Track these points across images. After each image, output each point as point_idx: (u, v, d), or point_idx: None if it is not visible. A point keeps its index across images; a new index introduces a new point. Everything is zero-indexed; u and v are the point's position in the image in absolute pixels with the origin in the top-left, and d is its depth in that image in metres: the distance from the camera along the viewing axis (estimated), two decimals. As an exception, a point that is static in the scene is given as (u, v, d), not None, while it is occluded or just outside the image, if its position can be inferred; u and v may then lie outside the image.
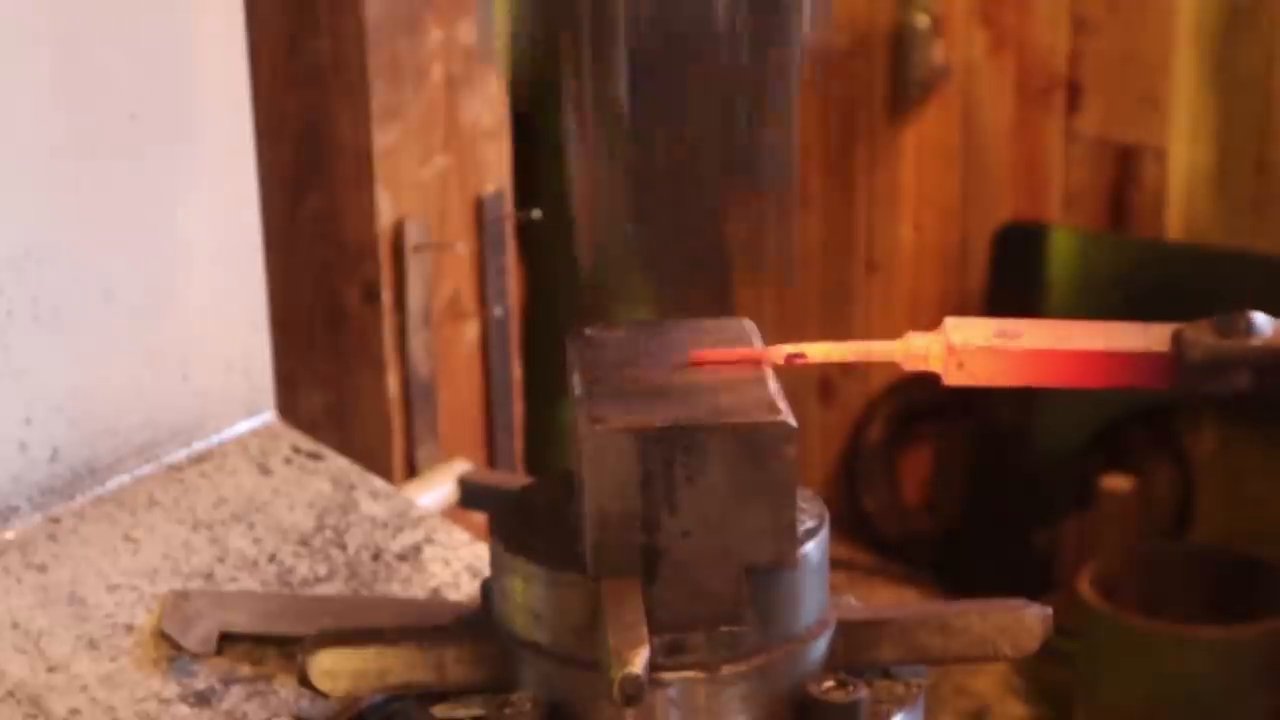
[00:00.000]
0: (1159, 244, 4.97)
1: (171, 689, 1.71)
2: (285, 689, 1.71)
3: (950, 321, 1.48)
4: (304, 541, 1.92)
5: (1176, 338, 1.43)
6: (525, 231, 3.24)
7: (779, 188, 1.46)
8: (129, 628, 1.76)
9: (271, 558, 1.89)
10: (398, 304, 3.15)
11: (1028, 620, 1.54)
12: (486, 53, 1.45)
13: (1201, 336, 1.42)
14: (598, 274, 1.45)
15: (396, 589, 1.90)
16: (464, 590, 1.89)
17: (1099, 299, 4.96)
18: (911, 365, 1.48)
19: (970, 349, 1.46)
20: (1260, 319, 1.43)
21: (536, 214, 3.14)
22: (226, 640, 1.75)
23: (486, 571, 1.55)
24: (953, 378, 1.47)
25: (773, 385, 1.48)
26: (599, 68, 1.36)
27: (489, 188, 3.11)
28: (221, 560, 1.87)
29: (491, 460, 3.34)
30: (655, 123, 1.39)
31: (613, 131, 1.39)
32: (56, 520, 1.85)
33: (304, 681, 1.49)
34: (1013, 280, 5.14)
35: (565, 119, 1.42)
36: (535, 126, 3.11)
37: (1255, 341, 1.42)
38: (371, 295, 3.15)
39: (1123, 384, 1.46)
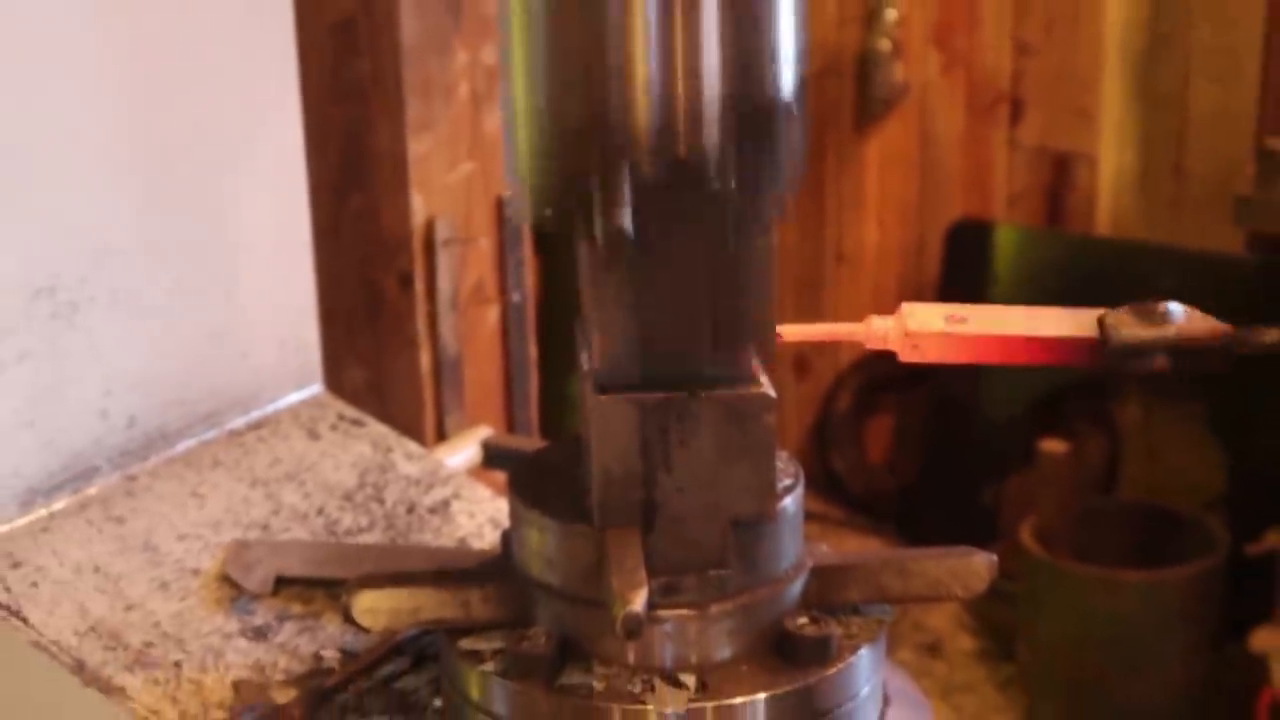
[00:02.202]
0: (1090, 239, 4.96)
1: (233, 625, 1.71)
2: (332, 625, 1.71)
3: (906, 307, 1.48)
4: (348, 497, 1.92)
5: (1101, 323, 1.44)
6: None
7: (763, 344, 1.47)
8: (196, 572, 1.76)
9: (320, 511, 1.89)
10: (429, 291, 3.15)
11: (976, 565, 1.54)
12: (518, 208, 1.45)
13: (1123, 323, 1.43)
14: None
15: (428, 538, 1.89)
16: (487, 539, 1.89)
17: (1038, 286, 4.96)
18: (873, 345, 1.48)
19: (923, 333, 1.47)
20: (1175, 308, 1.43)
21: (549, 213, 3.13)
22: (281, 583, 1.75)
23: (506, 523, 1.55)
24: (908, 356, 1.47)
25: (754, 360, 1.48)
26: (608, 205, 1.36)
27: (508, 190, 3.11)
28: (276, 513, 1.87)
29: (511, 426, 3.34)
30: (654, 255, 1.39)
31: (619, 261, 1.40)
32: (133, 479, 1.85)
33: (348, 618, 1.48)
34: (963, 270, 5.14)
35: (579, 251, 1.43)
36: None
37: (1169, 330, 1.42)
38: (406, 284, 3.15)
39: (1055, 363, 1.46)
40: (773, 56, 1.38)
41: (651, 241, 1.37)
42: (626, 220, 1.34)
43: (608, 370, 1.42)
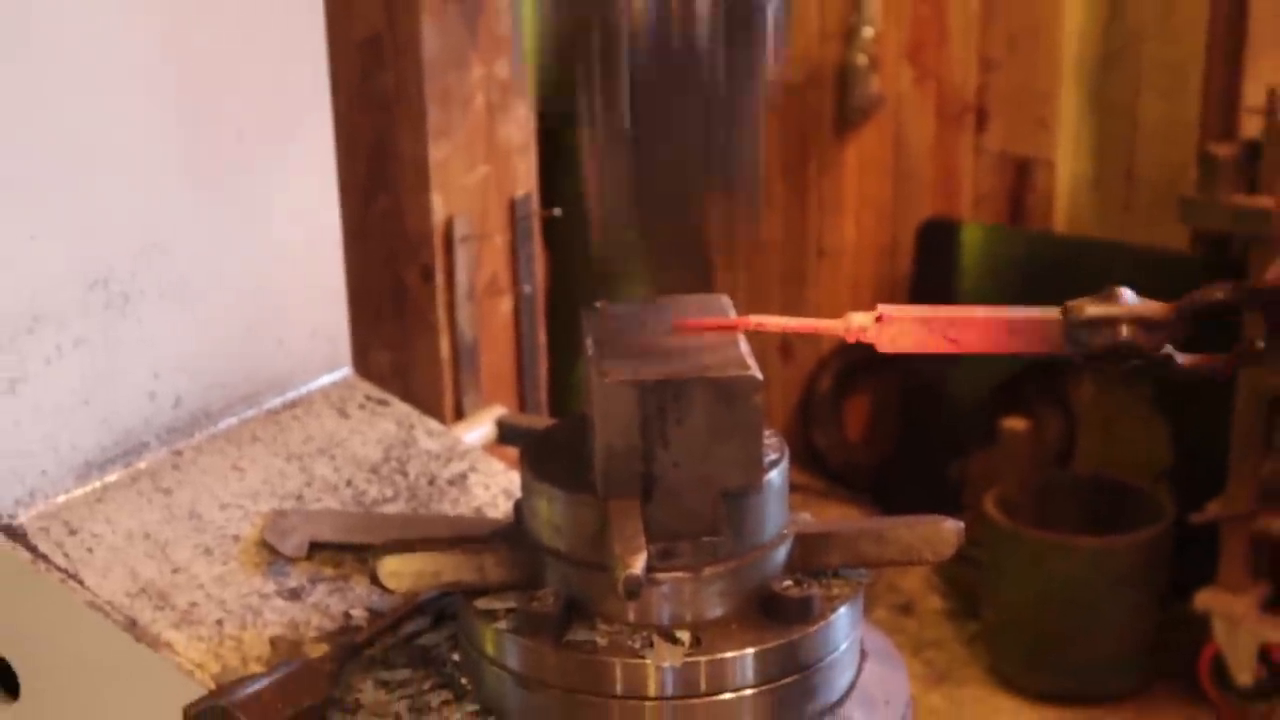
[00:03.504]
0: (1048, 236, 4.96)
1: (270, 586, 1.70)
2: (360, 586, 1.71)
3: (882, 309, 1.48)
4: (374, 470, 1.92)
5: (1064, 309, 1.43)
6: (549, 226, 3.23)
7: (748, 186, 1.46)
8: (236, 538, 1.76)
9: (349, 483, 1.89)
10: (448, 283, 3.14)
11: (944, 532, 1.54)
12: (520, 84, 1.46)
13: (1083, 307, 1.43)
14: (606, 260, 1.45)
15: (447, 508, 1.89)
16: (500, 509, 1.88)
17: (1000, 279, 4.96)
18: (853, 338, 1.48)
19: (899, 333, 1.46)
20: (1128, 293, 1.43)
21: (558, 212, 3.14)
22: (314, 548, 1.75)
23: (518, 494, 1.55)
24: (885, 348, 1.47)
25: (744, 347, 1.48)
26: (606, 94, 1.35)
27: (520, 191, 3.11)
28: (309, 485, 1.87)
29: (523, 406, 3.33)
30: (650, 135, 1.38)
31: (617, 142, 1.39)
32: (179, 454, 1.85)
33: (374, 580, 1.48)
34: (933, 264, 5.14)
35: (580, 132, 1.42)
36: (557, 143, 3.10)
37: (1125, 307, 1.42)
38: (427, 277, 3.14)
39: (1021, 349, 1.46)
40: None
41: (647, 125, 1.37)
42: (625, 108, 1.34)
43: (606, 241, 1.42)
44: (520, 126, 3.07)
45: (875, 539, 1.54)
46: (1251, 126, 4.23)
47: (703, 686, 1.42)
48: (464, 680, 1.53)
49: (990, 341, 1.46)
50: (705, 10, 1.36)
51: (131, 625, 1.61)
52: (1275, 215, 3.91)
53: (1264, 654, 4.14)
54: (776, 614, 1.46)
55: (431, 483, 1.92)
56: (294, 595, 1.70)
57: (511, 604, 1.48)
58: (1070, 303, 1.44)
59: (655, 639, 1.43)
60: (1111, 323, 1.43)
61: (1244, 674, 4.16)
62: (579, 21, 1.36)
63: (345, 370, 2.07)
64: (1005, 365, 4.79)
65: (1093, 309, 1.43)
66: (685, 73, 1.37)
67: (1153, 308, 1.43)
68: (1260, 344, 1.41)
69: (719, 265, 1.53)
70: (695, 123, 1.40)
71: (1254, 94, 4.22)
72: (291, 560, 1.74)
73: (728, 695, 1.43)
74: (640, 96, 1.35)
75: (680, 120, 1.39)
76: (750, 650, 1.43)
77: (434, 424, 2.02)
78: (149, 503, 1.76)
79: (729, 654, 1.43)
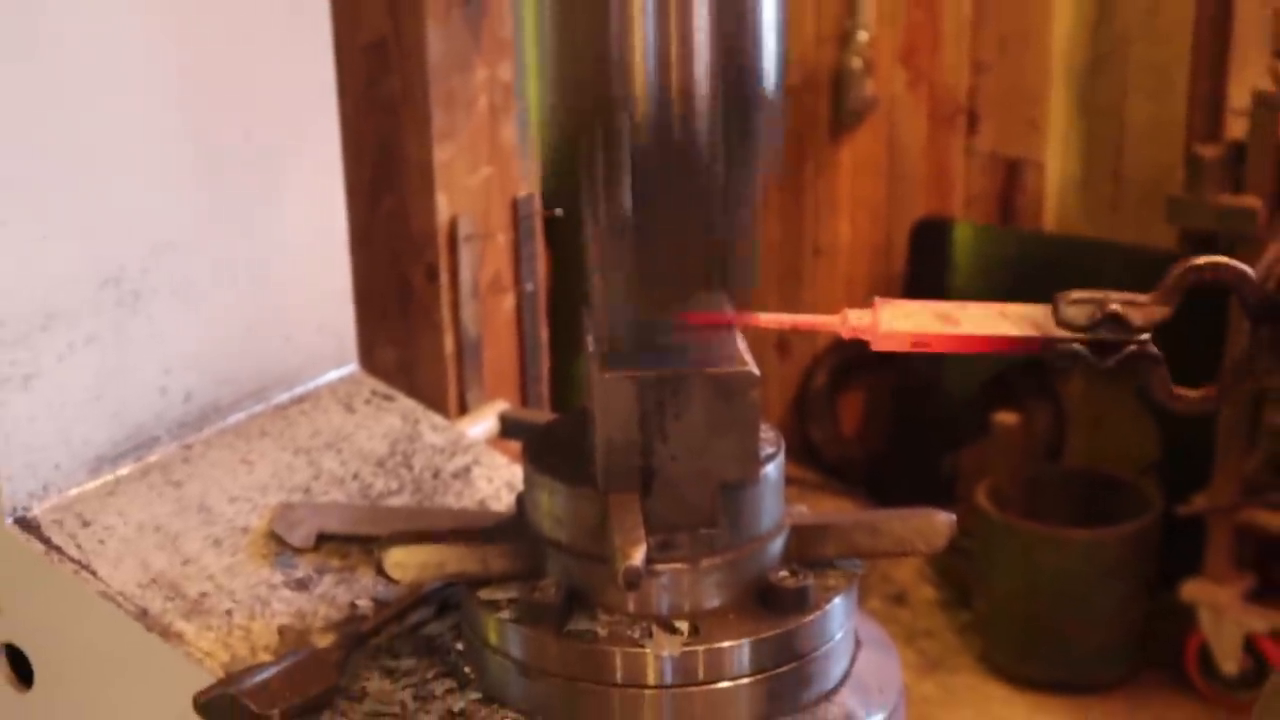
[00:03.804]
0: (1038, 235, 4.96)
1: (278, 577, 1.70)
2: (366, 577, 1.71)
3: (880, 303, 1.47)
4: (380, 464, 1.92)
5: (1053, 314, 1.43)
6: (550, 225, 3.23)
7: (745, 285, 1.47)
8: (245, 530, 1.76)
9: (355, 476, 1.89)
10: (452, 282, 3.14)
11: (937, 524, 1.54)
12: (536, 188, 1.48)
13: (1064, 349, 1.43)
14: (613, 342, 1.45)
15: (451, 501, 1.89)
16: (503, 502, 1.88)
17: (991, 277, 4.96)
18: (848, 335, 1.47)
19: (894, 333, 1.46)
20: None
21: (559, 212, 3.14)
22: (321, 540, 1.75)
23: (521, 487, 1.55)
24: (879, 345, 1.46)
25: (741, 343, 1.48)
26: (610, 184, 1.36)
27: (522, 192, 3.10)
28: (317, 478, 1.87)
29: (525, 401, 3.33)
30: (651, 226, 1.39)
31: (620, 233, 1.40)
32: (189, 447, 1.85)
33: (380, 571, 1.48)
34: (925, 263, 5.14)
35: (585, 221, 1.43)
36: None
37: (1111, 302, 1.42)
38: (432, 275, 3.14)
39: (1008, 352, 1.46)
40: (755, 54, 1.38)
41: (649, 213, 1.38)
42: (626, 198, 1.34)
43: (614, 354, 1.42)
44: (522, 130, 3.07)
45: (869, 531, 1.54)
46: (1236, 128, 4.23)
47: (701, 675, 1.42)
48: (467, 669, 1.54)
49: (982, 325, 1.45)
50: (705, 106, 1.37)
51: (142, 615, 1.62)
52: (1260, 215, 3.92)
53: (1249, 643, 4.14)
54: (773, 604, 1.46)
55: (436, 476, 1.92)
56: (301, 586, 1.70)
57: (514, 594, 1.48)
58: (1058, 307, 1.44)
59: (654, 629, 1.43)
60: (1100, 302, 1.43)
61: (1229, 663, 4.16)
62: (583, 122, 1.37)
63: (352, 366, 2.07)
64: (996, 361, 4.79)
65: (1081, 291, 1.43)
66: (685, 168, 1.38)
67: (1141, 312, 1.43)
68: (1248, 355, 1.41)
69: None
70: (695, 216, 1.40)
71: (1239, 96, 4.22)
72: (299, 552, 1.74)
73: (725, 684, 1.43)
74: (642, 190, 1.36)
75: (680, 213, 1.40)
76: (747, 640, 1.43)
77: (438, 419, 2.03)
78: (160, 495, 1.76)
79: (726, 643, 1.43)
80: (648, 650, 1.41)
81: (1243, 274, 1.41)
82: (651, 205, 1.38)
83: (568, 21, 1.37)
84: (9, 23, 1.61)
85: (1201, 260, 1.42)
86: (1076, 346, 1.43)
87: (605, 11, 1.35)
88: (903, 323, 1.45)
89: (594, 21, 1.35)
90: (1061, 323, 1.43)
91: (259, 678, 1.49)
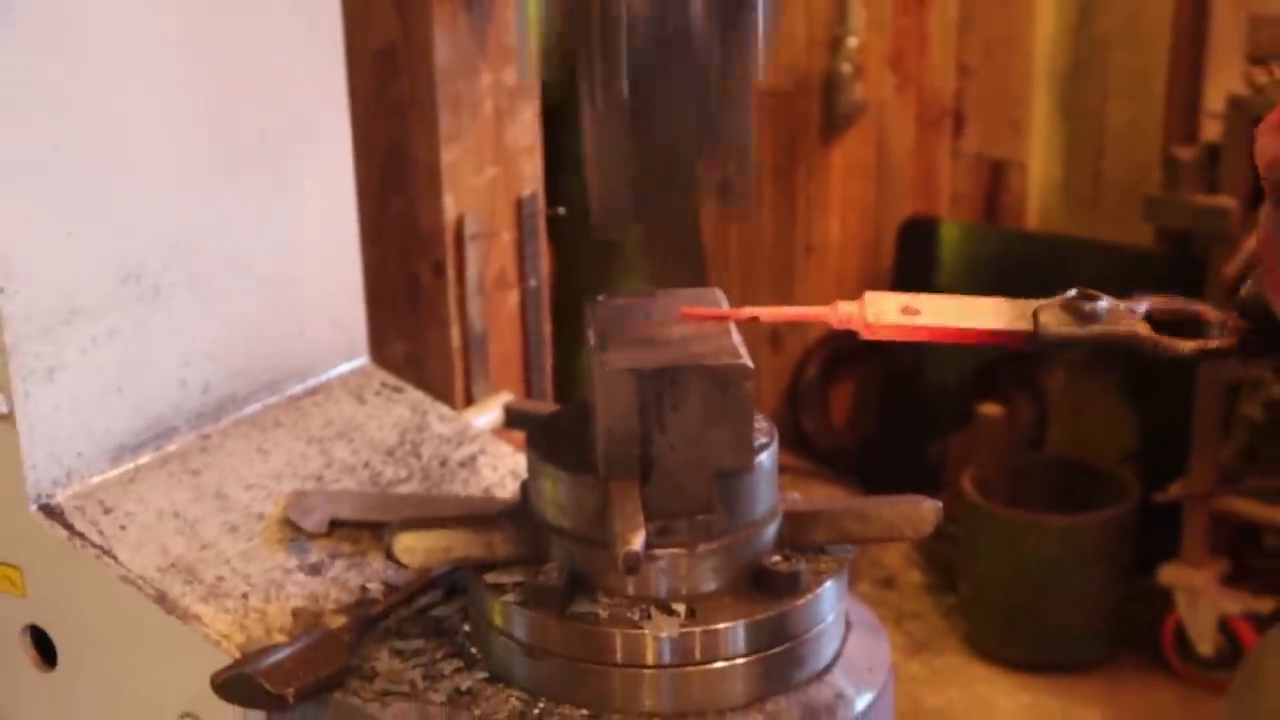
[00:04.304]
0: (1021, 233, 4.96)
1: (292, 562, 1.71)
2: (376, 562, 1.71)
3: (869, 296, 1.47)
4: (389, 453, 1.92)
5: (1035, 317, 1.42)
6: (553, 223, 3.23)
7: (740, 145, 1.45)
8: (260, 516, 1.76)
9: (365, 465, 1.89)
10: (459, 278, 3.14)
11: (924, 511, 1.54)
12: (525, 67, 1.47)
13: (1053, 320, 1.41)
14: (605, 233, 1.44)
15: (458, 488, 1.89)
16: (508, 489, 1.89)
17: (976, 273, 4.95)
18: (839, 326, 1.47)
19: (881, 323, 1.46)
20: (1102, 306, 1.41)
21: (562, 211, 3.14)
22: (334, 526, 1.75)
23: (525, 475, 1.55)
24: (868, 335, 1.46)
25: (736, 337, 1.48)
26: (606, 69, 1.35)
27: (526, 191, 3.10)
28: (329, 466, 1.87)
29: (529, 393, 3.33)
30: (647, 106, 1.39)
31: (616, 113, 1.39)
32: (207, 437, 1.85)
33: (390, 556, 1.49)
34: (913, 260, 5.13)
35: (582, 108, 1.42)
36: (559, 147, 3.10)
37: (1095, 326, 1.41)
38: (439, 272, 3.14)
39: (992, 343, 1.46)
40: None
41: (644, 101, 1.37)
42: (623, 87, 1.34)
43: (604, 210, 1.42)
44: (526, 130, 3.07)
45: (859, 517, 1.54)
46: (1212, 130, 4.23)
47: (697, 655, 1.43)
48: (474, 649, 1.54)
49: (964, 313, 1.45)
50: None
51: (162, 598, 1.62)
52: (1234, 214, 3.91)
53: (1223, 625, 4.14)
54: (766, 587, 1.46)
55: (443, 464, 1.92)
56: (315, 570, 1.70)
57: (518, 578, 1.48)
58: (1041, 313, 1.42)
59: (653, 611, 1.43)
60: (1075, 344, 1.41)
61: (1205, 644, 4.16)
62: (579, 7, 1.37)
63: (362, 359, 2.07)
64: (981, 353, 4.79)
65: (1058, 328, 1.41)
66: (680, 47, 1.37)
67: (1120, 329, 1.41)
68: (1229, 341, 1.40)
69: (710, 263, 1.52)
70: (691, 94, 1.40)
71: (1214, 100, 4.21)
72: (312, 537, 1.74)
73: (721, 664, 1.43)
74: (638, 71, 1.35)
75: (676, 91, 1.39)
76: (742, 622, 1.43)
77: (445, 409, 2.03)
78: (178, 483, 1.77)
79: (722, 625, 1.43)
80: (646, 632, 1.42)
81: (1201, 310, 1.40)
82: (648, 80, 1.38)
83: None
84: (46, 33, 1.61)
85: (1165, 304, 1.40)
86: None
87: None
88: (890, 314, 1.45)
89: None
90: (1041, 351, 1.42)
91: (274, 658, 1.49)
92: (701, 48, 1.37)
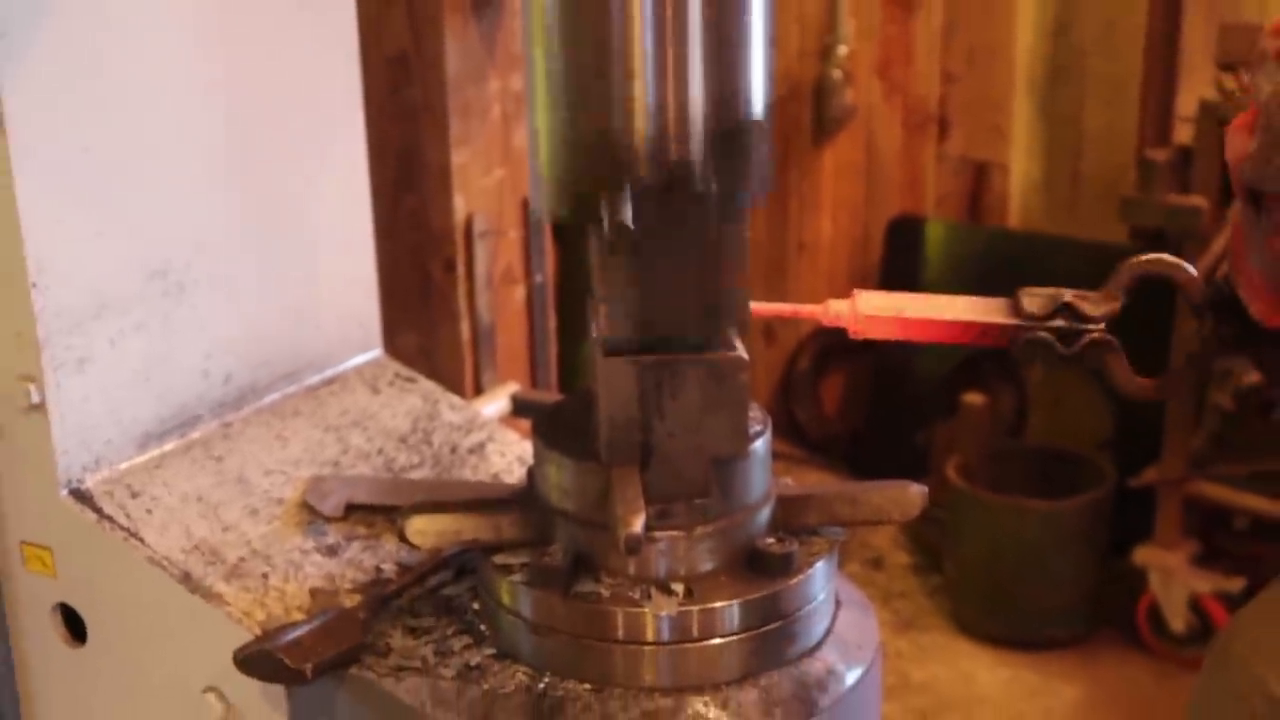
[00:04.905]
0: (1003, 231, 4.95)
1: (310, 543, 1.71)
2: (389, 544, 1.71)
3: (859, 294, 1.47)
4: (403, 440, 1.92)
5: (1014, 307, 1.43)
6: (557, 224, 3.23)
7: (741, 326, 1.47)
8: (280, 500, 1.76)
9: (380, 451, 1.89)
10: (468, 274, 3.15)
11: (911, 495, 1.54)
12: (539, 210, 1.47)
13: (1031, 338, 1.42)
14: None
15: (468, 474, 1.89)
16: (515, 475, 1.89)
17: (960, 269, 4.95)
18: (830, 323, 1.47)
19: (871, 319, 1.46)
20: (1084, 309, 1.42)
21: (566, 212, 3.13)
22: (350, 510, 1.75)
23: (531, 461, 1.55)
24: (858, 333, 1.46)
25: (731, 332, 1.48)
26: (613, 210, 1.36)
27: (531, 192, 3.10)
28: (345, 453, 1.87)
29: (535, 383, 3.34)
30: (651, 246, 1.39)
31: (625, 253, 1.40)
32: (229, 425, 1.85)
33: (402, 538, 1.49)
34: (900, 257, 5.13)
35: (590, 243, 1.43)
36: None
37: (1064, 296, 1.42)
38: (450, 268, 3.14)
39: (973, 343, 1.46)
40: (746, 86, 1.38)
41: (649, 235, 1.37)
42: (628, 219, 1.34)
43: (613, 338, 1.42)
44: (532, 134, 3.07)
45: (849, 501, 1.54)
46: (1184, 134, 4.23)
47: (695, 633, 1.43)
48: (483, 627, 1.54)
49: (948, 309, 1.45)
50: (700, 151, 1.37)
51: (186, 578, 1.62)
52: (1205, 213, 3.91)
53: (1194, 604, 4.15)
54: (761, 568, 1.46)
55: (454, 451, 1.92)
56: (331, 551, 1.70)
57: (525, 559, 1.48)
58: (1020, 333, 1.43)
59: (653, 590, 1.43)
60: (1054, 296, 1.43)
61: (1177, 621, 4.16)
62: (595, 180, 1.37)
63: (376, 351, 2.07)
64: (964, 347, 4.78)
65: (1038, 287, 1.43)
66: (683, 217, 1.38)
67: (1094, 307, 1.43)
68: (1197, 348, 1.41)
69: None
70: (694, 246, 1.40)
71: (1186, 104, 4.21)
72: (329, 520, 1.74)
73: (717, 640, 1.43)
74: (645, 219, 1.36)
75: (681, 254, 1.40)
76: (737, 600, 1.43)
77: (456, 399, 2.03)
78: (202, 469, 1.77)
79: (718, 604, 1.43)
80: (647, 610, 1.42)
81: (1182, 269, 1.41)
82: (652, 250, 1.38)
83: (574, 59, 1.37)
84: (77, 42, 1.61)
85: (1145, 257, 1.42)
86: (1043, 334, 1.42)
87: (609, 51, 1.35)
88: (876, 301, 1.46)
89: (599, 58, 1.35)
90: (1022, 314, 1.43)
91: (293, 635, 1.50)
92: (703, 186, 1.37)
